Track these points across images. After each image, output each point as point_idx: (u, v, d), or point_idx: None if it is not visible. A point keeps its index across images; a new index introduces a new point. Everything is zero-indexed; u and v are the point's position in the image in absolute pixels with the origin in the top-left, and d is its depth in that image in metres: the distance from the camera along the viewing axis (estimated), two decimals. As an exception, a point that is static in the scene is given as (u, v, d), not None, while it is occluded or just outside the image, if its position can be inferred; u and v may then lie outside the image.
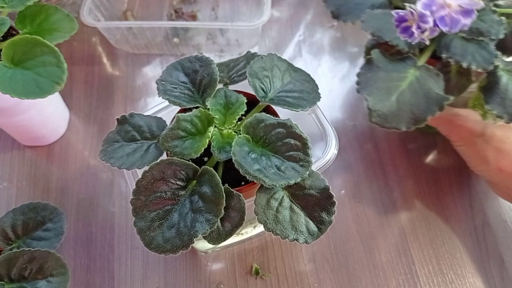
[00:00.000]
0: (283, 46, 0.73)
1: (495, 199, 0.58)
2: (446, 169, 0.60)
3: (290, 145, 0.36)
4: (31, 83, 0.43)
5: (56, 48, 0.44)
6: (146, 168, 0.36)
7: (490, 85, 0.46)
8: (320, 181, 0.37)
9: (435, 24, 0.42)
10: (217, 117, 0.39)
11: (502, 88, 0.45)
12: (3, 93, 0.41)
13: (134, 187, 0.36)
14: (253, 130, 0.38)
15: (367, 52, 0.52)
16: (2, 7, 0.46)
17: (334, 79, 0.69)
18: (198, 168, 0.37)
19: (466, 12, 0.41)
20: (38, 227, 0.48)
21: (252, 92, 0.41)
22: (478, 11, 0.42)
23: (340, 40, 0.73)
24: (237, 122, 0.40)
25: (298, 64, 0.70)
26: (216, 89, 0.40)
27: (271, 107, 0.43)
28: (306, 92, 0.42)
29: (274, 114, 0.43)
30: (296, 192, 0.37)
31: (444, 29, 0.42)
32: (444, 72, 0.47)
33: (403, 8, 0.43)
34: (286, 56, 0.72)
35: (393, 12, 0.43)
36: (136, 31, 0.68)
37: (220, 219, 0.35)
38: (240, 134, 0.38)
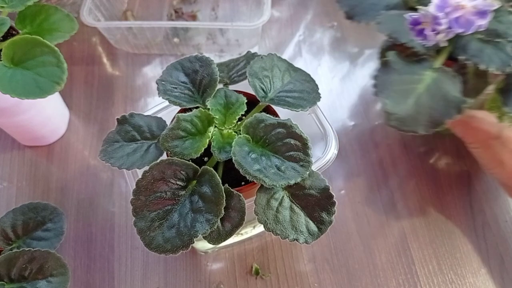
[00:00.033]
0: (283, 46, 0.73)
1: (495, 199, 0.58)
2: (446, 169, 0.60)
3: (290, 145, 0.36)
4: (31, 83, 0.43)
5: (56, 48, 0.44)
6: (146, 168, 0.36)
7: (507, 87, 0.45)
8: (320, 181, 0.38)
9: (450, 26, 0.41)
10: (217, 117, 0.40)
11: None
12: (3, 93, 0.41)
13: (134, 187, 0.36)
14: (253, 130, 0.38)
15: (382, 54, 0.51)
16: (2, 7, 0.46)
17: (334, 79, 0.69)
18: (198, 168, 0.37)
19: (480, 13, 0.41)
20: (38, 227, 0.48)
21: (252, 92, 0.41)
22: (495, 12, 0.42)
23: (340, 40, 0.73)
24: (237, 122, 0.40)
25: (298, 64, 0.70)
26: (216, 89, 0.40)
27: (271, 107, 0.43)
28: (306, 92, 0.42)
29: (274, 114, 0.43)
30: (296, 192, 0.37)
31: (459, 30, 0.41)
32: (461, 74, 0.46)
33: (417, 9, 0.43)
34: (286, 56, 0.72)
35: (407, 15, 0.43)
36: (136, 31, 0.68)
37: (220, 219, 0.35)
38: (240, 134, 0.38)
